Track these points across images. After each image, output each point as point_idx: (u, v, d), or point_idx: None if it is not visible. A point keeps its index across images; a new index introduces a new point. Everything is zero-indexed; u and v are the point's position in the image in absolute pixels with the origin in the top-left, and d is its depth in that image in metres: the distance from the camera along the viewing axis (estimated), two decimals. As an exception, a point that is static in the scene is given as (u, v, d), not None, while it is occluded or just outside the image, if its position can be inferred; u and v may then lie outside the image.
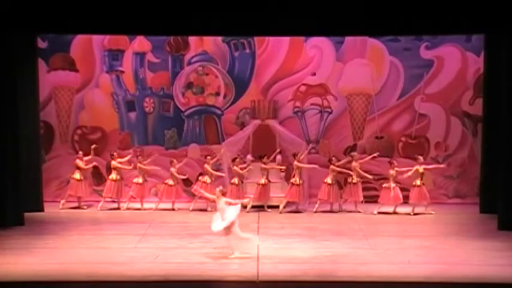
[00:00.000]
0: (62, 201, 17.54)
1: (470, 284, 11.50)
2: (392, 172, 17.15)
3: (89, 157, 17.71)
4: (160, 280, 11.59)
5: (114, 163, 17.58)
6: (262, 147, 17.96)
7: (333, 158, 17.52)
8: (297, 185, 17.19)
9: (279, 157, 17.92)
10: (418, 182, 17.05)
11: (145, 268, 12.16)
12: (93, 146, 17.84)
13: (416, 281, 11.56)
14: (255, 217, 16.68)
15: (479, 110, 17.92)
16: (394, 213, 17.11)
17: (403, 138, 18.75)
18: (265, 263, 12.45)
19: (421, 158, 17.29)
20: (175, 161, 17.69)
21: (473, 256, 13.08)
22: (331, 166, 17.29)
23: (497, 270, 12.13)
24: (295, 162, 17.21)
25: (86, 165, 17.62)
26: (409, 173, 17.03)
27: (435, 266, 12.42)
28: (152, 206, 17.60)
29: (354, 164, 17.35)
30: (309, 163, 17.58)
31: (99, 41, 18.61)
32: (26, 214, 15.74)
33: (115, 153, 17.71)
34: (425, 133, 18.67)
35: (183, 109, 18.84)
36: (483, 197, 17.20)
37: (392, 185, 17.09)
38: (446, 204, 18.21)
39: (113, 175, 17.56)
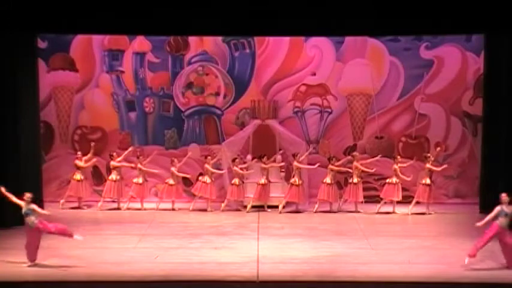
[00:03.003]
0: (62, 201, 17.53)
1: (470, 284, 11.52)
2: (396, 167, 17.16)
3: (89, 156, 17.70)
4: (160, 280, 11.60)
5: (113, 163, 17.57)
6: (262, 147, 17.95)
7: (333, 158, 17.52)
8: (297, 185, 17.17)
9: (279, 157, 17.91)
10: (427, 180, 17.04)
11: (145, 268, 12.17)
12: (92, 144, 17.82)
13: (416, 281, 11.58)
14: (255, 217, 16.68)
15: (479, 110, 17.91)
16: (394, 212, 17.14)
17: (403, 139, 18.73)
18: (265, 263, 12.46)
19: (431, 156, 17.26)
20: (176, 160, 17.68)
21: (473, 256, 13.08)
22: (330, 166, 17.30)
23: (497, 270, 12.13)
24: (295, 163, 17.20)
25: (86, 163, 17.62)
26: (408, 163, 17.30)
27: (435, 266, 12.43)
28: (152, 205, 17.58)
29: (355, 163, 17.34)
30: (309, 163, 17.58)
31: (99, 41, 18.58)
32: (26, 214, 15.73)
33: (114, 154, 17.69)
34: (425, 133, 18.65)
35: (183, 109, 18.82)
36: (483, 197, 17.17)
37: (396, 180, 17.12)
38: (446, 204, 18.20)
39: (113, 175, 17.55)
